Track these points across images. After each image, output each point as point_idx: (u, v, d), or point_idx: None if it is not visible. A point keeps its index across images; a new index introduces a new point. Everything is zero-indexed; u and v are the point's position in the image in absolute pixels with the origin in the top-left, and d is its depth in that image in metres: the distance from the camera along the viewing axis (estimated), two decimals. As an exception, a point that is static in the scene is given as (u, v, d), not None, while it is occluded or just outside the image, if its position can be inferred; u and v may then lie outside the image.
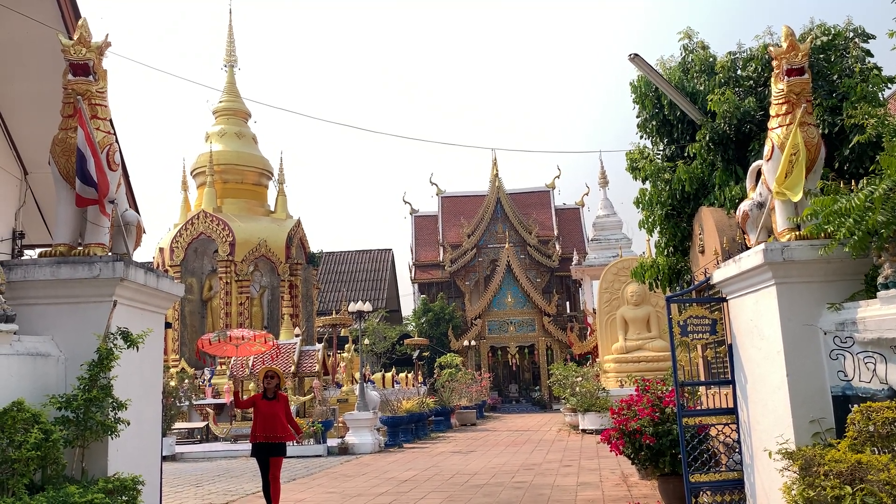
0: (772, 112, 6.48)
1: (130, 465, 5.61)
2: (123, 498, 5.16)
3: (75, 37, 5.94)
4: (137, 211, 8.65)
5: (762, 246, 5.95)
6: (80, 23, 6.04)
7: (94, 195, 5.71)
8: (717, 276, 6.94)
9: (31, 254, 9.67)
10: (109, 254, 5.90)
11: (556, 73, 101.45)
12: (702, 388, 8.55)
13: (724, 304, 7.11)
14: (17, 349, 5.26)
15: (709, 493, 7.06)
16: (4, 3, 8.08)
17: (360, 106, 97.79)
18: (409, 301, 48.98)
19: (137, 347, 5.65)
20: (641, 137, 9.95)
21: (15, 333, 5.29)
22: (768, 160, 6.34)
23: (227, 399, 21.89)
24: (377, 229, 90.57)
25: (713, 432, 7.39)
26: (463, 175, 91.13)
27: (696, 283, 8.05)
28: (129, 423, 5.50)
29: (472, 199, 46.15)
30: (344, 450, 17.63)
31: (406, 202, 48.42)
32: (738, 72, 8.94)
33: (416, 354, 36.24)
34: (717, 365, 8.05)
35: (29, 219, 9.94)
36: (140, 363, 6.00)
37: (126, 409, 5.46)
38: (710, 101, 8.40)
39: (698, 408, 8.32)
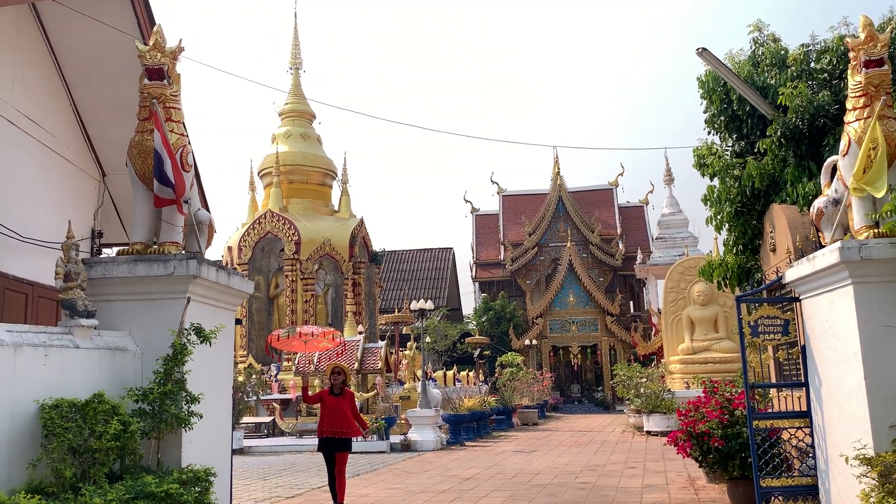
0: (848, 105, 6.26)
1: (203, 457, 5.78)
2: (196, 489, 5.32)
3: (150, 42, 6.16)
4: (208, 210, 8.91)
5: (838, 244, 5.76)
6: (154, 29, 6.26)
7: (171, 195, 5.92)
8: (790, 275, 6.75)
9: (108, 252, 10.08)
10: (183, 252, 6.09)
11: (619, 68, 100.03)
12: (773, 391, 8.33)
13: (797, 304, 6.91)
14: (98, 343, 5.49)
15: (780, 498, 6.87)
16: (82, 11, 8.43)
17: (420, 105, 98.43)
18: (469, 299, 49.08)
19: (210, 343, 5.83)
20: (709, 133, 9.76)
21: (95, 328, 5.52)
22: (844, 155, 6.13)
23: (292, 394, 22.33)
24: (438, 228, 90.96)
25: (785, 436, 7.19)
26: (524, 173, 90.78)
27: (767, 282, 7.85)
28: (201, 417, 5.67)
29: (534, 198, 45.86)
30: (406, 446, 17.77)
31: (467, 201, 48.46)
32: (812, 64, 8.68)
33: (477, 353, 36.25)
34: (789, 367, 7.83)
35: (106, 219, 10.34)
36: (212, 358, 6.17)
37: (199, 402, 5.63)
38: (782, 94, 8.17)
39: (769, 410, 8.10)
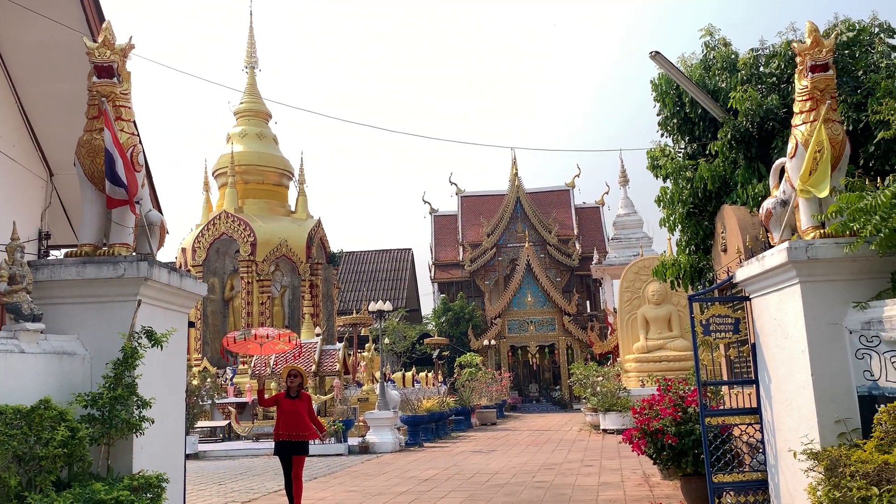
0: (795, 109, 6.41)
1: (155, 462, 5.67)
2: (148, 495, 5.21)
3: (100, 39, 6.01)
4: (161, 211, 8.73)
5: (786, 244, 5.89)
6: (104, 25, 6.12)
7: (123, 196, 5.78)
8: (740, 274, 6.88)
9: (56, 254, 9.80)
10: (134, 254, 5.96)
11: (577, 70, 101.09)
12: (724, 388, 8.48)
13: (747, 302, 7.05)
14: (44, 348, 5.34)
15: (732, 493, 7.00)
16: (28, 6, 8.19)
17: (379, 105, 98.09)
18: (428, 300, 49.09)
19: (161, 346, 5.71)
20: (662, 135, 9.90)
21: (42, 332, 5.37)
22: (792, 157, 6.27)
23: (248, 398, 22.05)
24: (397, 229, 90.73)
25: (736, 432, 7.33)
26: (482, 174, 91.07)
27: (718, 281, 7.99)
28: (153, 422, 5.56)
29: (492, 199, 46.11)
30: (364, 449, 17.68)
31: (426, 202, 48.52)
32: (761, 69, 8.86)
33: (436, 354, 36.26)
34: (739, 364, 7.98)
35: (54, 220, 10.06)
36: (164, 362, 6.05)
37: (150, 407, 5.52)
38: (733, 98, 8.33)
39: (721, 407, 8.25)
